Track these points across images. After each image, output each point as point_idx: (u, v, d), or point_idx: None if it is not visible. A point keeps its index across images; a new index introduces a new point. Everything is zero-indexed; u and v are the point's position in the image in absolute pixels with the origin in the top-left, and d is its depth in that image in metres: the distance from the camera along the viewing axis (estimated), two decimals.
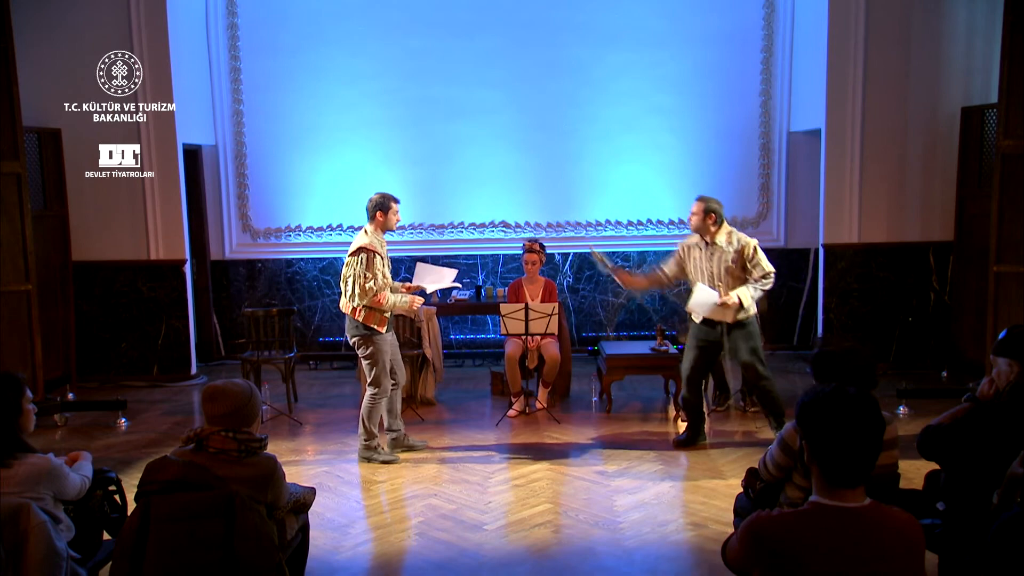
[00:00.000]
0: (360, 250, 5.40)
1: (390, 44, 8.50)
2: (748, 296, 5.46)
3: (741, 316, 5.53)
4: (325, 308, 8.72)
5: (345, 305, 5.52)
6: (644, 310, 8.79)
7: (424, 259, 7.64)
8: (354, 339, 5.54)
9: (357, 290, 5.38)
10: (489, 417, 6.70)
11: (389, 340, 5.63)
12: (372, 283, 5.36)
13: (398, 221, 5.64)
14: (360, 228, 5.64)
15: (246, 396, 3.07)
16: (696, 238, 5.68)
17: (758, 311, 5.72)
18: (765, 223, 8.73)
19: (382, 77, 8.51)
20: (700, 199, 5.63)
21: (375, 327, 5.47)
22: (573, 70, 8.54)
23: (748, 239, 5.59)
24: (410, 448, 5.83)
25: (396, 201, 5.58)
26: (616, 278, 5.91)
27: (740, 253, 5.52)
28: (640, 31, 8.49)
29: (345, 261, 5.50)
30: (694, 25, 8.50)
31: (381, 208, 5.52)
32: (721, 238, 5.57)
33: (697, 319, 5.70)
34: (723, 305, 5.47)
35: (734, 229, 5.65)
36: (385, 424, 5.82)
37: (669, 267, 5.85)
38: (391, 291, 5.51)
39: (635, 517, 4.65)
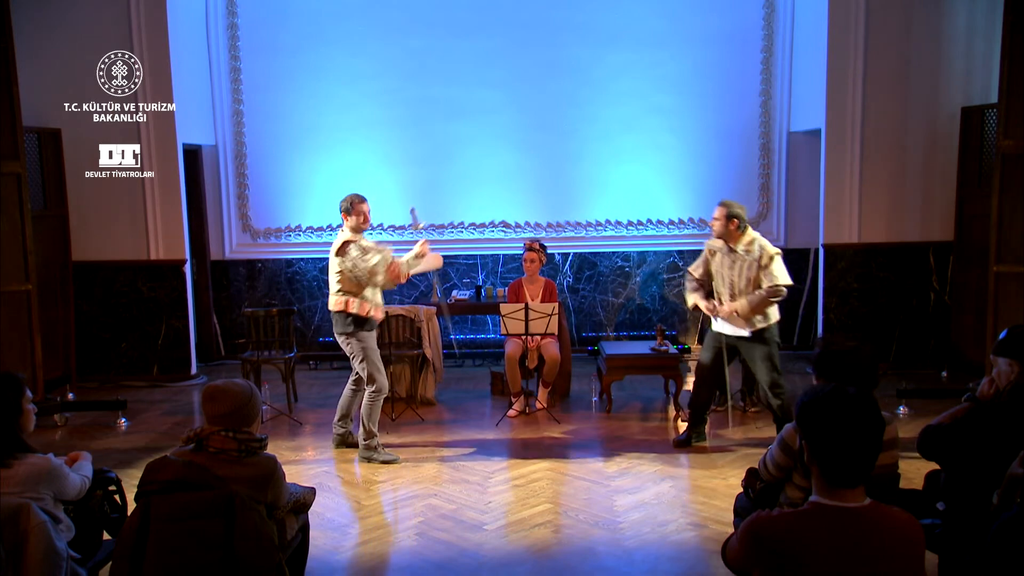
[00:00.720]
0: (345, 244, 5.43)
1: (390, 44, 8.50)
2: (745, 306, 5.33)
3: (760, 325, 5.42)
4: (325, 308, 8.70)
5: (336, 302, 5.50)
6: (644, 310, 8.79)
7: None
8: (341, 337, 5.58)
9: (367, 277, 5.36)
10: (489, 417, 6.70)
11: (375, 337, 5.65)
12: (373, 257, 5.36)
13: (368, 217, 5.60)
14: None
15: (246, 396, 3.07)
16: (720, 242, 5.53)
17: None
18: (765, 223, 8.72)
19: (382, 77, 8.51)
20: (722, 204, 5.45)
21: (371, 315, 5.48)
22: (573, 70, 8.54)
23: (769, 248, 5.38)
24: (354, 445, 5.84)
25: (361, 199, 5.57)
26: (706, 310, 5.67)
27: (758, 262, 5.37)
28: (640, 31, 8.49)
29: (336, 260, 5.48)
30: (694, 25, 8.50)
31: (347, 211, 5.54)
32: (741, 245, 5.41)
33: (714, 325, 5.63)
34: (730, 317, 5.42)
35: (758, 236, 5.48)
36: (336, 417, 5.88)
37: (699, 270, 5.70)
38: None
39: (635, 517, 4.65)
